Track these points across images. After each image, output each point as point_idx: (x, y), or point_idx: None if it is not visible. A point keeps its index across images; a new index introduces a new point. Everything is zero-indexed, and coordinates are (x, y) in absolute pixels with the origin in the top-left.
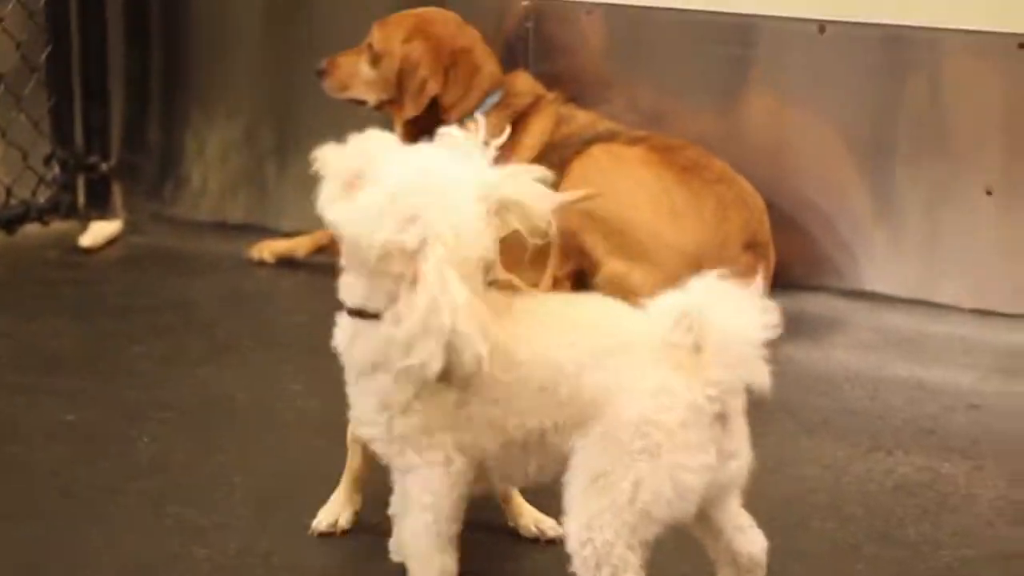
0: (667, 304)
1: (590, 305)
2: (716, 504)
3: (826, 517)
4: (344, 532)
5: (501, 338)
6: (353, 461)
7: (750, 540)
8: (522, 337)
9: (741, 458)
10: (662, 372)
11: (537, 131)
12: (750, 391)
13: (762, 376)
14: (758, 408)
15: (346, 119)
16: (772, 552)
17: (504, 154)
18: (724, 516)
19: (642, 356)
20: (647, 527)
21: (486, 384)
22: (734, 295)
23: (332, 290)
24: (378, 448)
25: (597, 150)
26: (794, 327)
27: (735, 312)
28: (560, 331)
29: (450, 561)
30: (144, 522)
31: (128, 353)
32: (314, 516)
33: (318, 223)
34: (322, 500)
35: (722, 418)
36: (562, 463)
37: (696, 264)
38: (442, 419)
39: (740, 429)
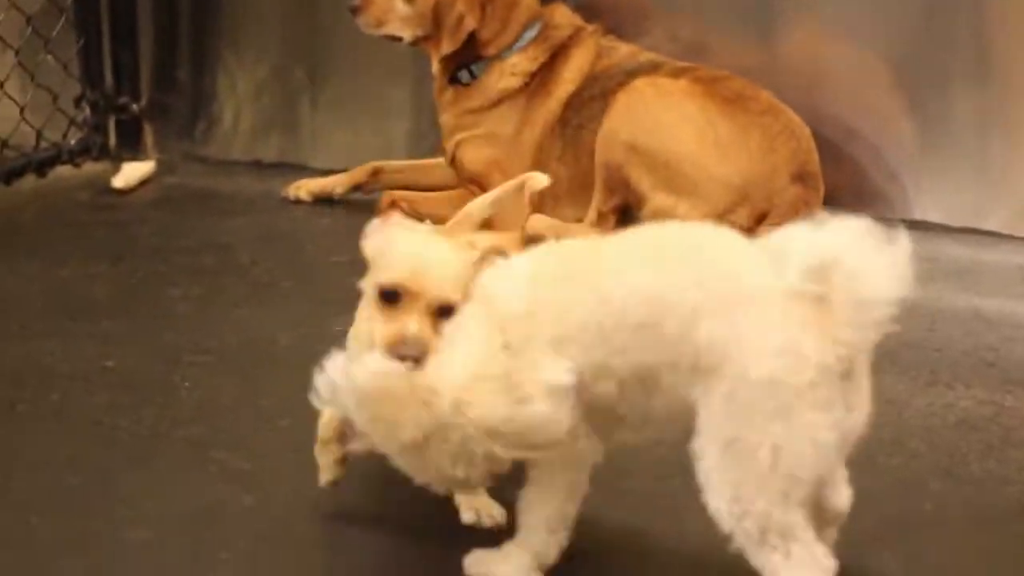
0: (795, 244)
1: (699, 237)
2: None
3: (891, 453)
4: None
5: (588, 276)
6: None
7: (839, 494)
8: (614, 271)
9: (863, 410)
10: (789, 329)
11: (577, 64)
12: None
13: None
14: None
15: (379, 55)
16: None
17: (544, 87)
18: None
19: (767, 309)
20: (798, 489)
21: (580, 329)
22: (877, 245)
23: None
24: None
25: (641, 82)
26: None
27: (877, 267)
28: (665, 265)
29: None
30: (189, 469)
31: (165, 296)
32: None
33: (353, 160)
34: None
35: (847, 374)
36: (688, 415)
37: (743, 197)
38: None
39: (864, 383)
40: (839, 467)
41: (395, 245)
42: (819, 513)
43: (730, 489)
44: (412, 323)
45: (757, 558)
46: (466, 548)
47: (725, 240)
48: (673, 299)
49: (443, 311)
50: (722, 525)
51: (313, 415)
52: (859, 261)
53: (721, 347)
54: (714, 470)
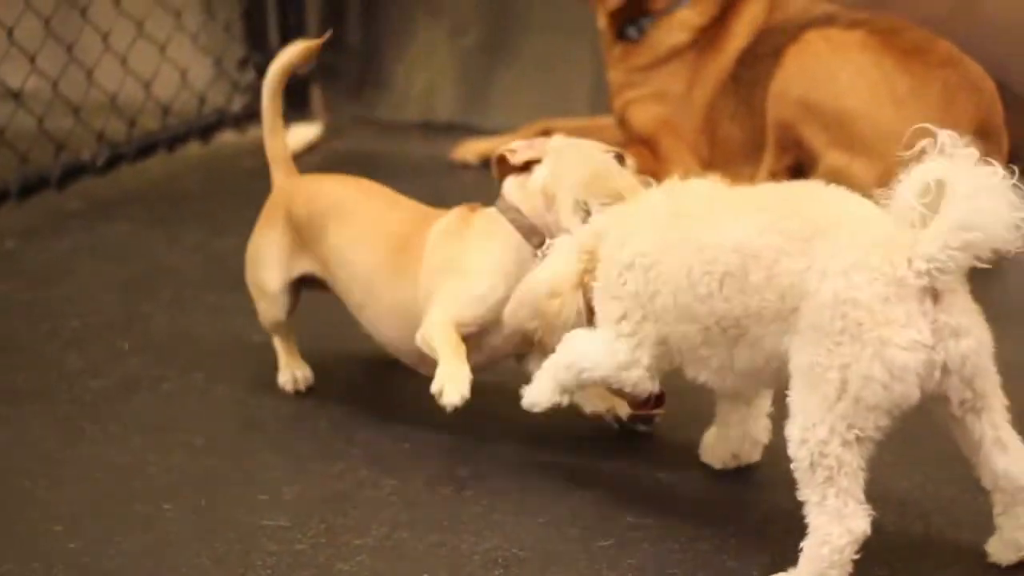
0: (924, 168)
1: (795, 191)
2: (968, 405)
3: None
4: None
5: (684, 225)
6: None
7: (1014, 460)
8: (709, 223)
9: (971, 337)
10: (857, 250)
11: (748, 17)
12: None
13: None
14: (1018, 308)
15: (553, 13)
16: None
17: (714, 42)
18: (980, 426)
19: (838, 237)
20: (865, 417)
21: (671, 273)
22: (992, 178)
23: None
24: None
25: (813, 35)
26: None
27: (986, 195)
28: (752, 216)
29: None
30: (331, 451)
31: None
32: (528, 442)
33: (525, 119)
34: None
35: (933, 293)
36: (778, 363)
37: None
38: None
39: (961, 305)
40: (1000, 425)
41: None
42: (995, 481)
43: (802, 416)
44: None
45: (802, 491)
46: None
47: (827, 191)
48: (757, 247)
49: None
50: (788, 450)
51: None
52: (960, 185)
53: (800, 283)
54: (795, 399)
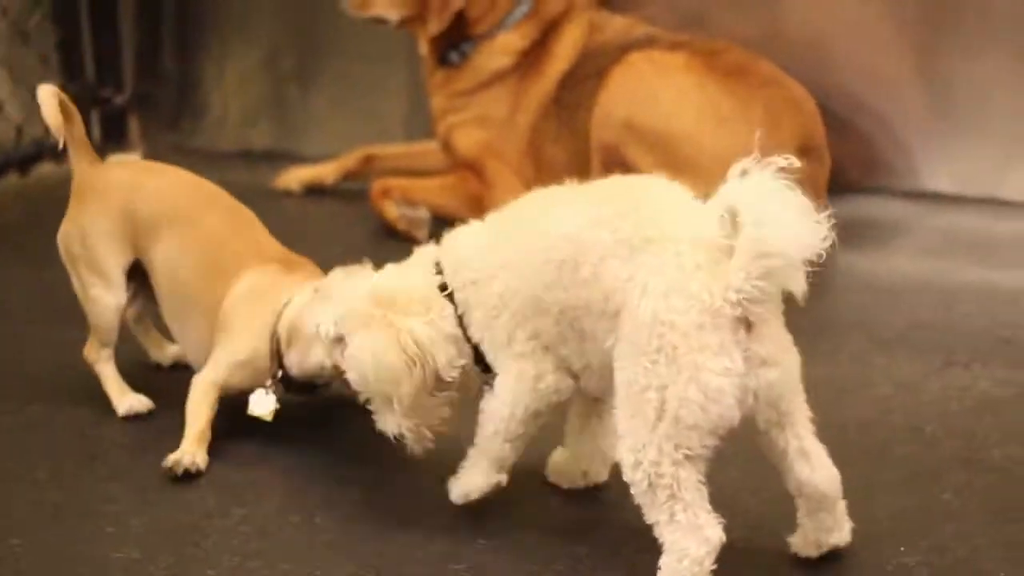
0: (720, 195)
1: (638, 188)
2: (773, 422)
3: (907, 441)
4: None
5: (525, 218)
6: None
7: (814, 467)
8: (548, 213)
9: (779, 367)
10: (679, 272)
11: (569, 40)
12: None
13: (798, 287)
14: (828, 325)
15: (368, 39)
16: (854, 480)
17: (536, 66)
18: (784, 437)
19: (664, 253)
20: (689, 436)
21: (518, 266)
22: (781, 199)
23: (365, 218)
24: None
25: (636, 57)
26: (855, 234)
27: (780, 220)
28: (588, 207)
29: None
30: (176, 482)
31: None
32: (380, 467)
33: (343, 146)
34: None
35: (746, 323)
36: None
37: None
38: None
39: (772, 335)
40: (804, 436)
41: None
42: (800, 489)
43: (628, 436)
44: None
45: (649, 514)
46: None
47: (665, 192)
48: (588, 239)
49: None
50: (623, 475)
51: None
52: (762, 212)
53: (622, 291)
54: (619, 416)
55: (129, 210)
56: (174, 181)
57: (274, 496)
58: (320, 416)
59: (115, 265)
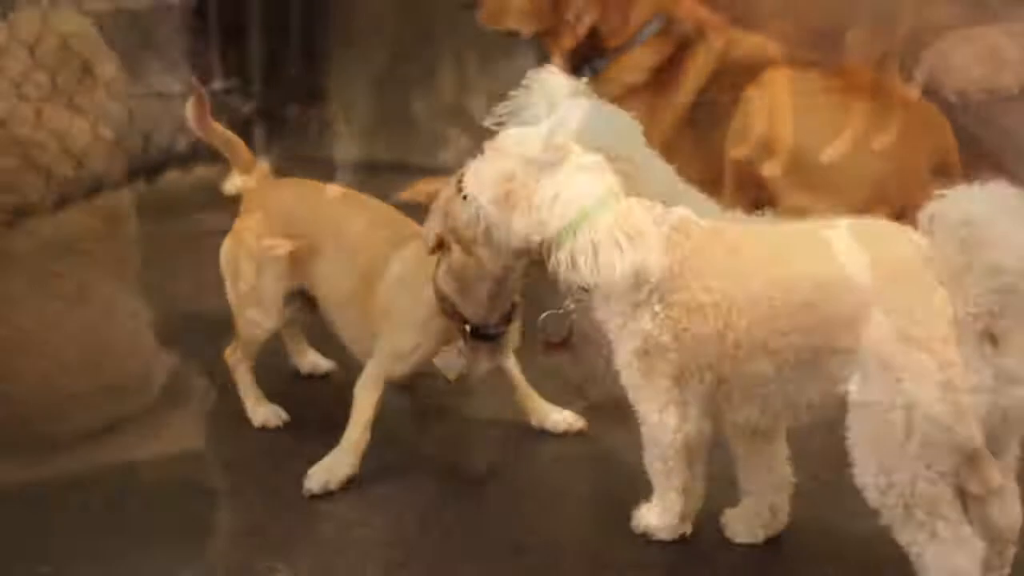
0: (948, 209)
1: (861, 227)
2: (1001, 442)
3: None
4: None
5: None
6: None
7: (1006, 506)
8: (783, 259)
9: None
10: (919, 287)
11: (703, 58)
12: None
13: None
14: None
15: (497, 51)
16: None
17: (669, 84)
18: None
19: (901, 273)
20: (939, 456)
21: (749, 304)
22: (1013, 213)
23: None
24: None
25: (772, 76)
26: None
27: (1006, 234)
28: (821, 250)
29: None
30: None
31: None
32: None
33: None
34: None
35: (991, 337)
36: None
37: (881, 194)
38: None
39: (1020, 349)
40: (1007, 478)
41: None
42: (982, 524)
43: (875, 461)
44: None
45: (903, 535)
46: None
47: (895, 233)
48: (840, 283)
49: None
50: (869, 501)
51: None
52: (1001, 228)
53: (863, 313)
54: (859, 441)
55: (295, 233)
56: (333, 199)
57: (415, 507)
58: (456, 435)
59: (276, 292)
